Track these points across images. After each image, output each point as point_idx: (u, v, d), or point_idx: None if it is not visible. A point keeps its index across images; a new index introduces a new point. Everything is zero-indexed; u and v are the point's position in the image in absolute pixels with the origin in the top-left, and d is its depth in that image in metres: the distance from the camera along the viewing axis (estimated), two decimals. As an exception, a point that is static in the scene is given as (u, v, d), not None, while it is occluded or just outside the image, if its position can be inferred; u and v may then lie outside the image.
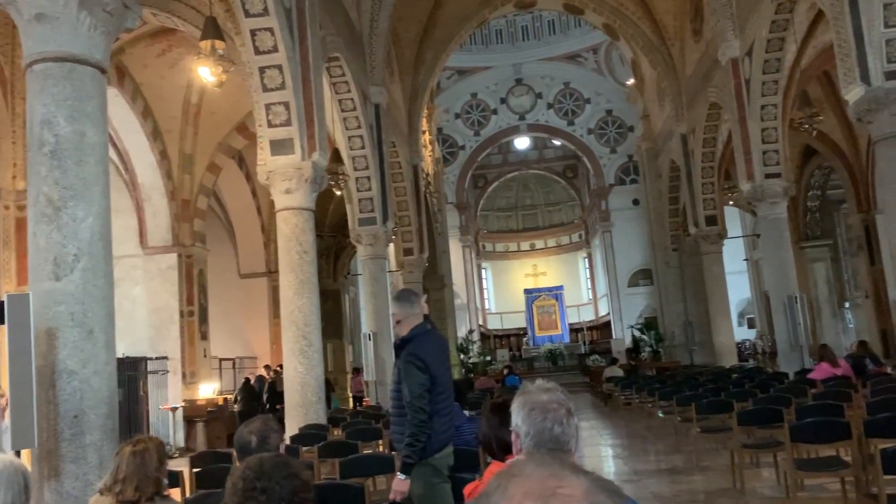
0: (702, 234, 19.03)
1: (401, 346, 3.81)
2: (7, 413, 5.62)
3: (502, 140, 31.14)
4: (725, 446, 8.09)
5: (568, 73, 29.27)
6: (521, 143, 32.56)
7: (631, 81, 25.54)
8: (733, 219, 23.27)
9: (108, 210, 4.97)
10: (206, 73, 8.27)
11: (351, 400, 18.72)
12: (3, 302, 4.38)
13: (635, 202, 28.01)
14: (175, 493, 4.09)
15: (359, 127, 13.85)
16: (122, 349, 12.26)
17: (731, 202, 18.85)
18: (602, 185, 29.26)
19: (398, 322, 3.82)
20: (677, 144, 19.97)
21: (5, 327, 4.34)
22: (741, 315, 28.33)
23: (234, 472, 1.93)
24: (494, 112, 30.39)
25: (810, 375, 9.90)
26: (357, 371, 19.59)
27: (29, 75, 4.81)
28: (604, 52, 27.97)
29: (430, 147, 23.02)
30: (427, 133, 22.30)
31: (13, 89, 10.62)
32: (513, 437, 1.92)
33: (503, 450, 2.44)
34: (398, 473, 3.52)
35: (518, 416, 1.90)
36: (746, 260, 26.19)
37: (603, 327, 31.17)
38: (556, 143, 31.76)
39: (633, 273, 28.41)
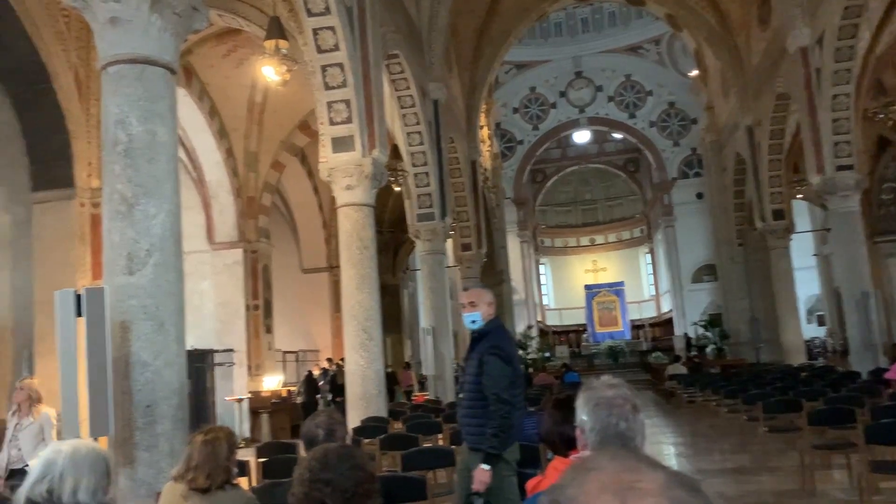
0: (768, 229, 18.47)
1: (478, 338, 3.83)
2: (35, 409, 5.74)
3: (561, 134, 30.85)
4: (794, 447, 7.85)
5: (629, 65, 28.78)
6: (581, 136, 32.17)
7: (694, 72, 24.93)
8: (802, 213, 22.52)
9: (178, 207, 5.12)
10: (270, 73, 8.44)
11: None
12: (80, 295, 4.57)
13: (699, 196, 27.37)
14: (242, 482, 4.20)
15: (418, 123, 13.92)
16: (191, 342, 12.63)
17: (799, 196, 18.24)
18: (664, 179, 28.69)
19: (471, 303, 3.84)
20: (743, 136, 19.41)
21: (83, 320, 4.53)
22: (810, 312, 27.38)
23: (301, 463, 1.97)
24: (553, 106, 30.12)
25: (887, 375, 9.51)
26: (407, 366, 19.73)
27: (104, 77, 5.00)
28: (666, 43, 27.40)
29: (488, 142, 22.97)
30: (485, 128, 22.25)
31: (88, 91, 11.04)
32: (577, 432, 1.91)
33: (566, 445, 2.43)
34: (482, 465, 3.55)
35: (583, 412, 1.89)
36: (816, 255, 25.30)
37: (665, 324, 30.59)
38: (617, 136, 31.28)
39: (697, 269, 27.78)
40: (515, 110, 30.14)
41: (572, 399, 2.11)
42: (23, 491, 2.31)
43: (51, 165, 10.96)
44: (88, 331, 4.49)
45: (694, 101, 26.66)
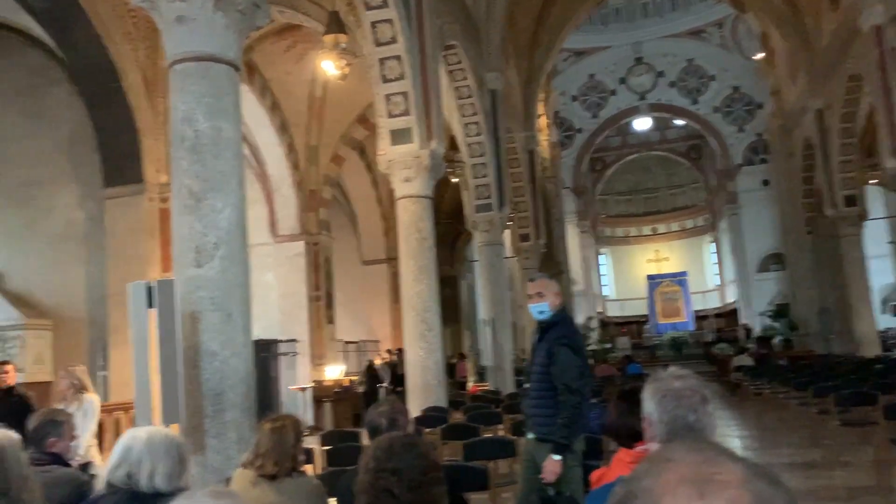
0: (840, 216, 17.78)
1: (546, 328, 3.84)
2: (79, 397, 5.54)
3: (621, 121, 30.31)
4: (869, 441, 7.56)
5: (691, 49, 28.04)
6: (642, 123, 31.55)
7: (759, 55, 24.12)
8: (875, 199, 21.57)
9: (243, 201, 5.24)
10: (329, 67, 8.56)
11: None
12: (152, 287, 4.73)
13: (765, 183, 26.52)
14: (308, 470, 4.28)
15: (475, 114, 13.89)
16: (256, 332, 12.93)
17: (873, 181, 17.50)
18: (729, 166, 27.89)
19: (538, 294, 3.84)
20: (812, 121, 18.71)
21: (155, 311, 4.69)
22: (884, 302, 26.25)
23: (366, 453, 2.00)
24: (613, 93, 29.61)
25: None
26: (461, 357, 19.75)
27: (171, 75, 5.14)
28: (730, 25, 26.56)
29: (546, 131, 22.76)
30: (543, 117, 22.05)
31: (155, 89, 11.39)
32: (645, 424, 1.88)
33: (631, 437, 2.40)
34: (552, 455, 3.56)
35: (650, 404, 1.86)
36: (891, 243, 24.23)
37: (730, 314, 29.82)
38: (679, 122, 30.56)
39: (764, 258, 26.95)
40: (574, 98, 29.75)
41: (638, 390, 2.08)
42: (104, 475, 2.41)
43: (121, 162, 11.36)
44: (160, 321, 4.65)
45: (759, 85, 25.80)
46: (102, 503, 2.40)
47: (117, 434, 9.59)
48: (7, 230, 12.66)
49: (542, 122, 21.79)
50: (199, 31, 5.00)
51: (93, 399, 5.69)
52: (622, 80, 29.41)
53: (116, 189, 11.41)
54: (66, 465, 3.04)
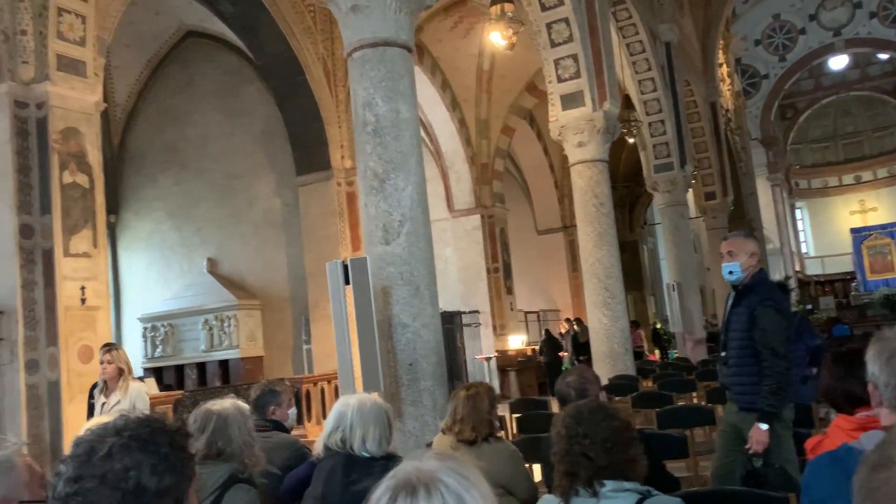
0: None
1: (742, 291, 3.62)
2: (123, 384, 4.88)
3: (813, 62, 27.60)
4: None
5: (895, -29, 24.90)
6: (837, 62, 28.53)
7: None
8: None
9: (423, 179, 5.41)
10: (497, 38, 8.55)
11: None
12: (347, 265, 5.04)
13: None
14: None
15: (649, 69, 13.30)
16: (440, 304, 13.41)
17: None
18: (947, 100, 24.58)
19: (729, 253, 3.63)
20: None
21: (350, 287, 5.01)
22: None
23: (556, 422, 2.03)
24: (802, 32, 27.03)
25: None
26: (635, 324, 19.06)
27: (350, 63, 5.39)
28: (944, -62, 23.25)
29: (728, 81, 21.29)
30: (724, 66, 20.64)
31: (335, 78, 12.03)
32: (870, 388, 1.72)
33: (850, 402, 2.21)
34: (758, 424, 3.36)
35: (875, 365, 1.70)
36: None
37: (955, 267, 26.45)
38: (883, 57, 27.29)
39: None
40: (757, 42, 27.50)
41: (856, 353, 1.94)
42: (321, 439, 2.62)
43: (310, 151, 12.15)
44: (355, 296, 4.95)
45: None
46: (322, 466, 2.61)
47: (323, 404, 10.38)
48: (217, 220, 14.03)
49: (723, 71, 20.41)
50: (373, 18, 5.19)
51: (139, 386, 5.15)
52: (812, 17, 26.75)
53: (307, 176, 12.24)
54: (286, 431, 3.34)
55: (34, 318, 6.99)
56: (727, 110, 20.31)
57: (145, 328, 13.86)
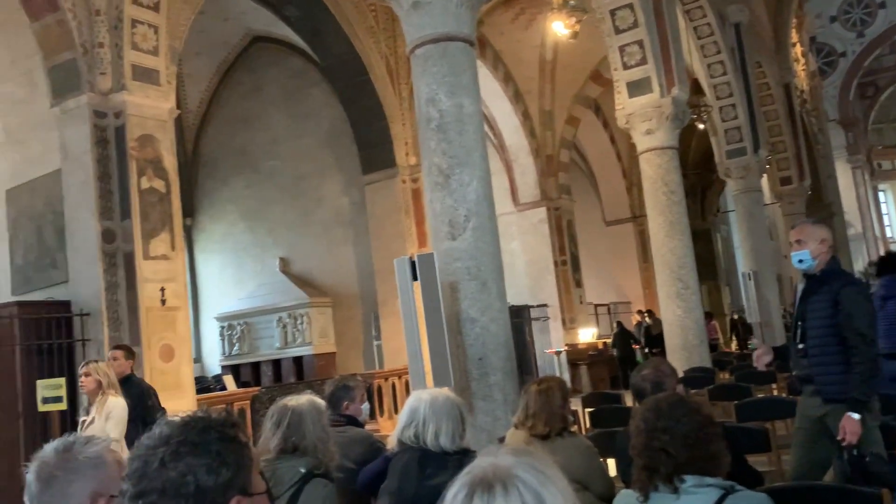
0: None
1: (820, 278, 3.47)
2: (102, 399, 4.62)
3: (894, 37, 26.24)
4: None
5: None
6: (922, 35, 27.05)
7: None
8: None
9: (488, 173, 5.39)
10: (559, 27, 8.45)
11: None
12: (414, 262, 5.07)
13: None
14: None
15: (718, 52, 12.91)
16: (508, 299, 13.36)
17: None
18: None
19: (798, 241, 3.49)
20: None
21: (418, 283, 5.03)
22: None
23: (635, 415, 1.98)
24: (882, 6, 25.71)
25: None
26: (709, 316, 18.48)
27: (413, 60, 5.41)
28: None
29: (802, 60, 20.45)
30: (798, 45, 19.83)
31: (398, 77, 12.11)
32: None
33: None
34: (849, 413, 3.21)
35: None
36: None
37: None
38: (973, 27, 25.75)
39: None
40: (833, 19, 26.32)
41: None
42: (395, 434, 2.64)
43: (375, 149, 12.28)
44: (423, 292, 4.97)
45: None
46: (397, 461, 2.63)
47: (395, 399, 10.50)
48: (287, 221, 14.35)
49: (797, 50, 19.62)
50: (434, 13, 5.19)
51: (116, 404, 4.68)
52: (893, -12, 25.42)
53: (373, 175, 12.37)
54: (360, 425, 3.38)
55: (118, 319, 7.30)
56: (802, 91, 19.53)
57: (222, 327, 14.30)
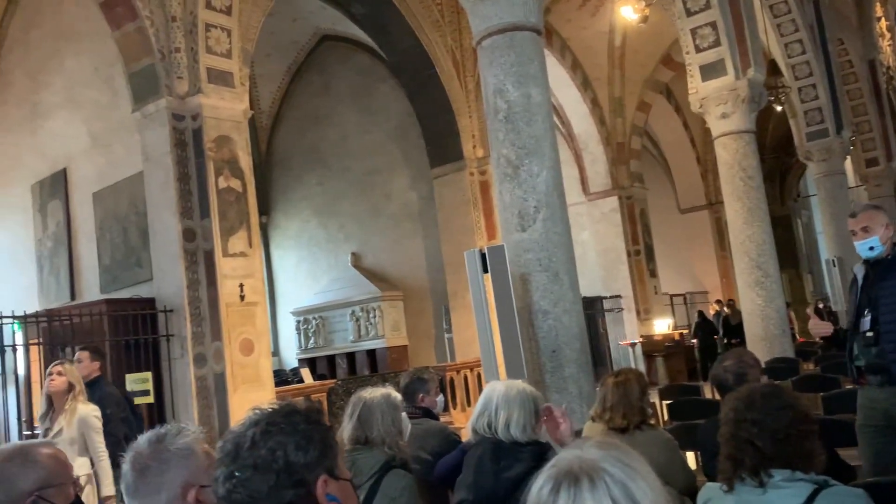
0: None
1: (891, 263, 3.30)
2: (72, 407, 4.10)
3: None
4: None
5: None
6: None
7: None
8: None
9: (558, 163, 5.33)
10: (628, 12, 8.27)
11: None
12: (484, 254, 5.06)
13: None
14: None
15: (796, 30, 12.39)
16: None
17: None
18: None
19: (864, 229, 3.32)
20: None
21: (489, 275, 5.02)
22: None
23: (726, 403, 1.92)
24: (976, -28, 24.16)
25: None
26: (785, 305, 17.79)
27: (479, 51, 5.39)
28: None
29: (888, 35, 19.40)
30: (882, 20, 18.83)
31: (464, 69, 12.10)
32: None
33: None
34: None
35: None
36: None
37: None
38: None
39: None
40: (922, -11, 24.89)
41: None
42: (470, 422, 2.65)
43: (443, 143, 12.30)
44: (494, 284, 4.96)
45: None
46: (471, 454, 2.63)
47: (467, 391, 10.53)
48: (358, 216, 14.57)
49: (882, 25, 18.62)
50: (500, 4, 5.16)
51: (88, 413, 4.16)
52: None
53: (441, 168, 12.40)
54: (435, 417, 3.41)
55: (200, 315, 7.56)
56: (888, 67, 18.53)
57: (298, 321, 14.65)
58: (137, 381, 6.97)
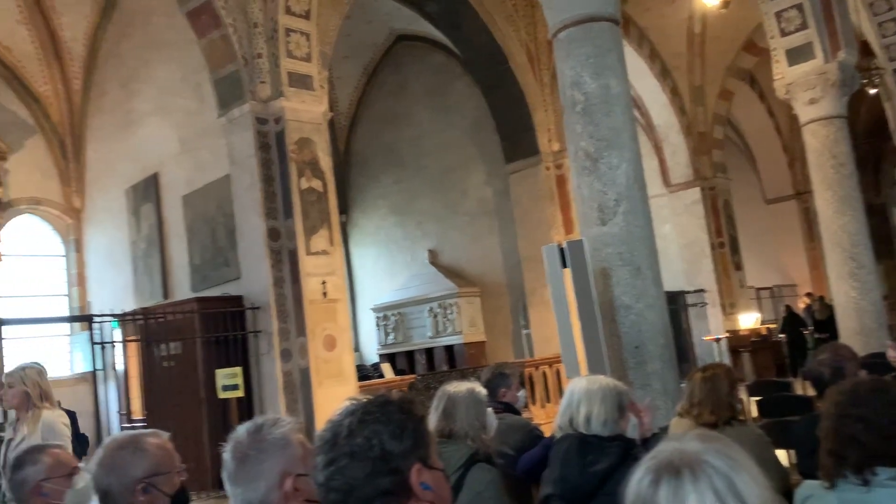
0: None
1: None
2: (34, 415, 3.72)
3: None
4: None
5: None
6: None
7: None
8: None
9: (638, 155, 5.22)
10: (708, -2, 8.00)
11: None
12: (563, 249, 5.02)
13: None
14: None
15: (890, 9, 11.73)
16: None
17: None
18: None
19: None
20: None
21: (568, 270, 4.97)
22: None
23: (829, 397, 1.86)
24: None
25: None
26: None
27: (555, 44, 5.33)
28: None
29: None
30: None
31: (538, 63, 12.01)
32: None
33: None
34: None
35: None
36: None
37: None
38: None
39: None
40: None
41: None
42: (556, 419, 2.64)
43: (518, 138, 12.25)
44: (574, 279, 4.91)
45: None
46: (557, 449, 2.63)
47: (546, 387, 10.46)
48: (435, 213, 14.68)
49: None
50: (576, -5, 5.09)
51: (54, 419, 3.76)
52: None
53: (516, 163, 12.36)
54: (517, 413, 3.41)
55: (285, 311, 7.80)
56: None
57: (378, 318, 14.89)
58: (227, 376, 7.24)
